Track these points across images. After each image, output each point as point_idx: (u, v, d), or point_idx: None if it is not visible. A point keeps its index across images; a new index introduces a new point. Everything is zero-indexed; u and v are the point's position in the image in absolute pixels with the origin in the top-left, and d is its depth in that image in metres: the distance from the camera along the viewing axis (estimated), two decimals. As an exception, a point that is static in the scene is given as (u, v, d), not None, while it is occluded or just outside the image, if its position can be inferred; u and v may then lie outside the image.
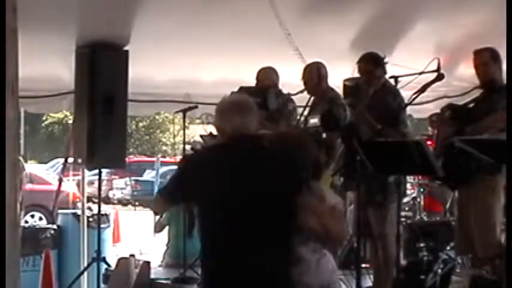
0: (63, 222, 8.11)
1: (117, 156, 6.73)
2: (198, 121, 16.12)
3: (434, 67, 5.26)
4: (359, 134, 5.48)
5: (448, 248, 6.39)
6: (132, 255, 6.22)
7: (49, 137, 37.72)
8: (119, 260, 6.31)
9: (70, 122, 21.84)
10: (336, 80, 6.47)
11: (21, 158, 7.75)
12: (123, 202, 22.87)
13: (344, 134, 5.64)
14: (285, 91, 6.50)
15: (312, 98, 6.36)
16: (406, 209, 9.38)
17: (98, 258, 6.80)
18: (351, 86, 6.27)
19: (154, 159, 24.03)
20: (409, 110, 6.74)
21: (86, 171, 8.25)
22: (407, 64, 6.08)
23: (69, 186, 13.24)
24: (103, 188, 9.71)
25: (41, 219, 14.53)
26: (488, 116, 5.47)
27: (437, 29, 6.64)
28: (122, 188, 23.90)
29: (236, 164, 3.67)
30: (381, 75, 6.01)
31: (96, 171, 7.30)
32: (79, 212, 8.07)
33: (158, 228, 8.07)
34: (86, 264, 7.31)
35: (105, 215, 8.28)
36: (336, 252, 4.80)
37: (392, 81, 5.82)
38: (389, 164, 5.24)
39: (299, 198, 3.67)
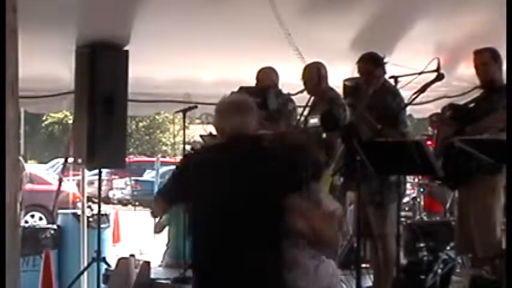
0: (63, 222, 8.12)
1: (117, 156, 6.74)
2: (198, 121, 16.13)
3: (434, 67, 5.25)
4: (359, 134, 5.47)
5: (448, 248, 6.39)
6: (132, 255, 6.23)
7: (49, 137, 37.72)
8: (119, 260, 6.32)
9: (70, 122, 21.82)
10: (336, 80, 6.47)
11: (21, 158, 7.76)
12: (123, 202, 22.84)
13: (344, 134, 5.63)
14: (285, 91, 6.50)
15: (312, 98, 6.36)
16: (406, 209, 9.37)
17: (98, 258, 6.81)
18: (350, 86, 6.26)
19: (154, 159, 24.04)
20: (409, 110, 6.74)
21: (86, 171, 8.25)
22: (407, 64, 6.08)
23: (69, 186, 13.24)
24: (103, 188, 9.71)
25: (41, 219, 14.51)
26: (488, 116, 5.46)
27: (437, 29, 6.64)
28: (122, 188, 23.88)
29: (236, 164, 3.67)
30: (381, 75, 6.00)
31: (96, 171, 7.31)
32: (79, 212, 8.07)
33: (158, 229, 8.05)
34: (86, 264, 7.31)
35: (105, 215, 8.28)
36: (336, 256, 4.79)
37: (392, 81, 5.81)
38: (389, 164, 5.24)
39: (289, 200, 3.63)
